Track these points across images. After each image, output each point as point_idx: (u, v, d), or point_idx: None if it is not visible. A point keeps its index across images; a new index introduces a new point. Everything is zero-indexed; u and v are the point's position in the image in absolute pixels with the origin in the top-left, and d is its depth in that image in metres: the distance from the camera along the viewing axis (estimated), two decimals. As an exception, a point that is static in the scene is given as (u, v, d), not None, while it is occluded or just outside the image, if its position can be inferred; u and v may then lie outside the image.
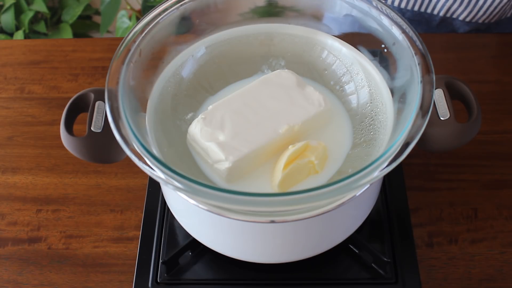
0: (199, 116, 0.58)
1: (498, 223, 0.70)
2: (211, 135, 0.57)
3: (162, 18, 0.61)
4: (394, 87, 0.60)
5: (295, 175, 0.56)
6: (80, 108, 0.62)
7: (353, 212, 0.60)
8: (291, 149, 0.55)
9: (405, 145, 0.50)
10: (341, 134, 0.61)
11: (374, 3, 0.60)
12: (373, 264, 0.65)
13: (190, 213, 0.60)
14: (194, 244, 0.66)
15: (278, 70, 0.63)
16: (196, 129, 0.58)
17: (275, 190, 0.56)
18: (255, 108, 0.59)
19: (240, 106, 0.59)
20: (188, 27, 0.65)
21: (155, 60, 0.62)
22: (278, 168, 0.55)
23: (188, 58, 0.65)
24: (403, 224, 0.68)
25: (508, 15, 0.96)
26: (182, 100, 0.64)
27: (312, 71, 0.67)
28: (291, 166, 0.55)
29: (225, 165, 0.55)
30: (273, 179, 0.56)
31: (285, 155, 0.55)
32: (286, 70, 0.63)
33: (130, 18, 1.57)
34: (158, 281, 0.65)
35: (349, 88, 0.65)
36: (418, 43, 0.56)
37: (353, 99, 0.64)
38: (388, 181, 0.72)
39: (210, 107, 0.59)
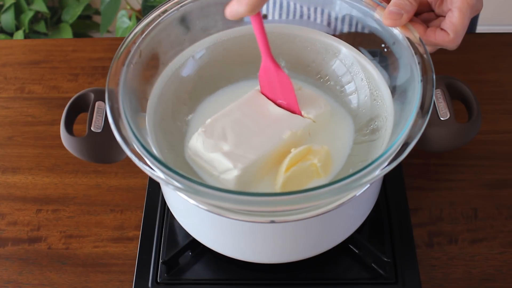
0: (199, 130, 0.58)
1: (498, 223, 0.70)
2: (215, 146, 0.56)
3: (162, 19, 0.61)
4: (394, 86, 0.61)
5: (298, 178, 0.55)
6: (80, 108, 0.62)
7: (353, 212, 0.60)
8: (293, 152, 0.55)
9: (405, 145, 0.50)
10: (343, 136, 0.61)
11: (373, 3, 0.60)
12: (373, 264, 0.65)
13: (190, 213, 0.60)
14: (194, 244, 0.66)
15: None
16: (198, 143, 0.57)
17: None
18: (254, 117, 0.59)
19: (239, 116, 0.59)
20: (188, 28, 0.65)
21: (155, 61, 0.62)
22: (280, 170, 0.55)
23: (188, 58, 0.65)
24: (403, 224, 0.68)
25: None
26: (182, 100, 0.64)
27: (312, 71, 0.67)
28: (293, 168, 0.55)
29: (234, 174, 0.54)
30: (275, 182, 0.56)
31: (287, 158, 0.55)
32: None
33: (130, 18, 1.57)
34: (158, 281, 0.65)
35: (349, 88, 0.65)
36: (418, 42, 0.56)
37: (353, 99, 0.64)
38: (388, 181, 0.72)
39: (209, 120, 0.59)
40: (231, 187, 0.55)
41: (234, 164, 0.55)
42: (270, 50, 0.58)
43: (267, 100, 0.61)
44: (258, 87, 0.62)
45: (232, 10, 0.52)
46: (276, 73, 0.59)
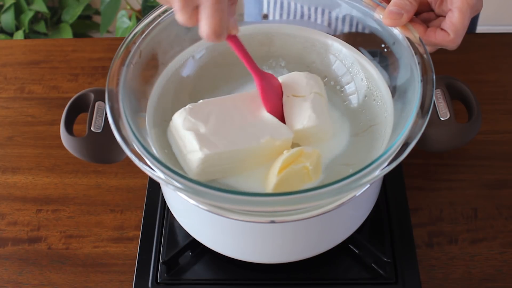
0: (187, 106, 0.58)
1: (498, 223, 0.70)
2: (193, 126, 0.56)
3: (162, 19, 0.61)
4: (394, 86, 0.61)
5: (290, 181, 0.55)
6: (80, 108, 0.62)
7: (353, 212, 0.60)
8: (285, 154, 0.55)
9: (405, 145, 0.50)
10: (334, 140, 0.61)
11: (373, 4, 0.60)
12: (373, 264, 0.65)
13: (190, 213, 0.60)
14: (194, 244, 0.66)
15: (294, 72, 0.61)
16: (180, 118, 0.57)
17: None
18: (244, 113, 0.58)
19: (230, 107, 0.58)
20: (188, 28, 0.65)
21: (155, 61, 0.62)
22: (273, 172, 0.55)
23: (188, 58, 0.65)
24: (403, 224, 0.68)
25: None
26: (182, 101, 0.64)
27: (312, 71, 0.67)
28: (286, 170, 0.54)
29: (197, 155, 0.54)
30: (267, 184, 0.55)
31: (279, 160, 0.55)
32: (305, 73, 0.61)
33: (130, 18, 1.57)
34: (158, 281, 0.65)
35: (349, 88, 0.65)
36: (418, 42, 0.56)
37: (353, 99, 0.64)
38: (388, 181, 0.72)
39: (201, 101, 0.58)
40: (193, 168, 0.55)
41: (201, 147, 0.54)
42: (255, 65, 0.57)
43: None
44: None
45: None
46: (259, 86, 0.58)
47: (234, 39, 0.54)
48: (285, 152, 0.55)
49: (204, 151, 0.54)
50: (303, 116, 0.58)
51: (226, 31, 0.49)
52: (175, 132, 0.58)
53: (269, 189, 0.55)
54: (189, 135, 0.55)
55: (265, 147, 0.56)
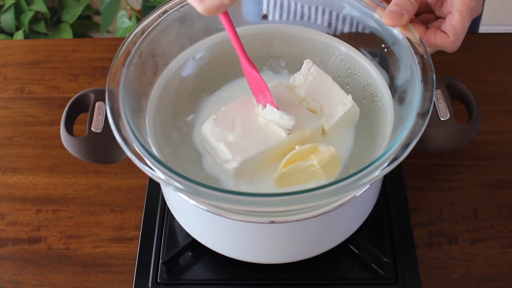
0: (211, 117, 0.58)
1: (498, 223, 0.70)
2: (221, 135, 0.57)
3: (162, 19, 0.61)
4: (394, 87, 0.61)
5: (295, 176, 0.55)
6: (80, 108, 0.62)
7: (353, 212, 0.60)
8: (297, 148, 0.55)
9: (405, 145, 0.50)
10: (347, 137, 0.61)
11: (373, 4, 0.60)
12: (373, 264, 0.65)
13: (190, 213, 0.60)
14: (194, 244, 0.66)
15: (312, 67, 0.62)
16: (207, 129, 0.58)
17: (274, 185, 0.56)
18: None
19: (253, 108, 0.59)
20: (188, 28, 0.65)
21: (155, 62, 0.62)
22: (279, 165, 0.55)
23: (188, 59, 0.65)
24: (403, 224, 0.68)
25: None
26: (182, 101, 0.64)
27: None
28: (291, 166, 0.55)
29: (232, 165, 0.55)
30: (274, 175, 0.56)
31: (289, 154, 0.55)
32: (314, 68, 0.62)
33: (130, 18, 1.57)
34: (158, 281, 0.65)
35: (349, 88, 0.65)
36: (418, 43, 0.56)
37: (353, 99, 0.64)
38: (388, 181, 0.72)
39: (223, 108, 0.59)
40: (231, 176, 0.56)
41: (234, 156, 0.55)
42: (243, 47, 0.58)
43: (287, 92, 0.60)
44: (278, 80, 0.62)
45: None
46: (248, 72, 0.59)
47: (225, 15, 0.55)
48: (297, 147, 0.55)
49: (237, 159, 0.55)
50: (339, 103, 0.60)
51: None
52: (206, 144, 0.59)
53: (273, 180, 0.56)
54: (219, 146, 0.57)
55: (296, 139, 0.57)
